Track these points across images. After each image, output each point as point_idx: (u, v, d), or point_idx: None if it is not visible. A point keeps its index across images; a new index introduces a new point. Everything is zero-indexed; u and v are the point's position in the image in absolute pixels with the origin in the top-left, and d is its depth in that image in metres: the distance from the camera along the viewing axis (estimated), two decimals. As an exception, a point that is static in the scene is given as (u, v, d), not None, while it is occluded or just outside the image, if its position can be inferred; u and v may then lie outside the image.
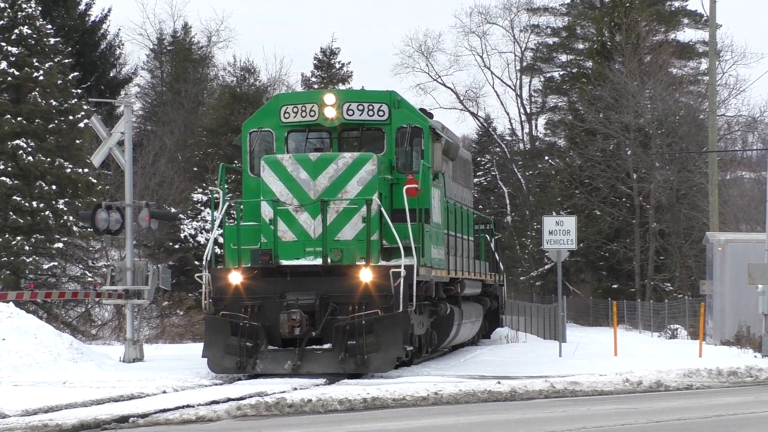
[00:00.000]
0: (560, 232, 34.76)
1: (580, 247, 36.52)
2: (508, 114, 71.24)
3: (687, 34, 66.87)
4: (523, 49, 69.54)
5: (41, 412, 17.11)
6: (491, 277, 33.24)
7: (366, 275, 18.08)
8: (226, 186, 21.60)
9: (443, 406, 19.31)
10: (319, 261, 19.61)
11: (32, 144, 44.22)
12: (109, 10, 67.77)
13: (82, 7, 64.59)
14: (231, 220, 27.66)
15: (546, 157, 67.70)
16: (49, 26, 52.04)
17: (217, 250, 26.15)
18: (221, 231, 24.75)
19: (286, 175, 18.03)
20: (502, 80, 70.94)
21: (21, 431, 15.14)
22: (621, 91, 57.38)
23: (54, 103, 45.68)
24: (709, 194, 46.07)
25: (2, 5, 49.92)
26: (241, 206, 22.85)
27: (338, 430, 15.98)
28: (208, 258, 20.08)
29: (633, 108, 56.45)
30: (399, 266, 18.54)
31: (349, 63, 67.39)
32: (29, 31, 46.94)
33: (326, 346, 18.88)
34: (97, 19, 66.40)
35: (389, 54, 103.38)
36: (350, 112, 19.01)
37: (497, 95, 71.12)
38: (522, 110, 70.69)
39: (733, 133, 59.94)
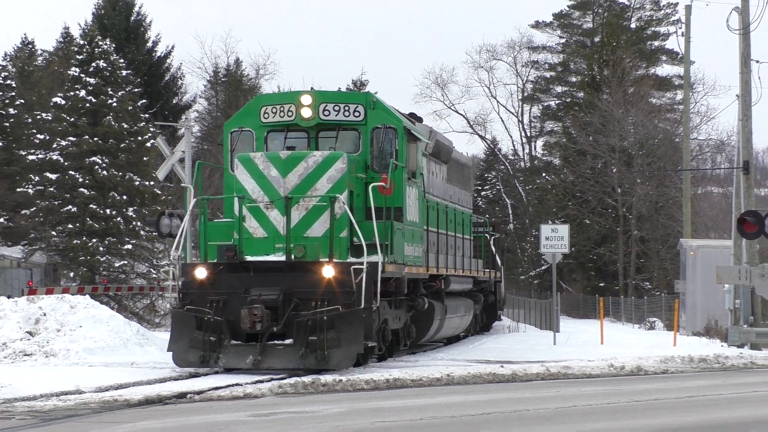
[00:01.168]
0: (555, 238, 34.82)
1: (572, 251, 36.66)
2: (511, 137, 72.16)
3: (665, 69, 67.57)
4: (524, 81, 70.24)
5: (112, 389, 17.41)
6: (486, 274, 31.39)
7: (328, 271, 16.17)
8: (201, 182, 19.17)
9: (454, 386, 19.45)
10: (284, 257, 17.73)
11: (106, 160, 45.39)
12: (173, 47, 69.63)
13: (149, 44, 65.68)
14: (220, 216, 25.71)
15: (543, 174, 67.66)
16: (122, 61, 53.78)
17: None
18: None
19: (258, 172, 16.87)
20: (506, 108, 71.63)
21: (95, 405, 15.44)
22: (608, 117, 57.59)
23: (125, 126, 47.08)
24: (682, 206, 45.93)
25: (82, 42, 52.61)
26: (204, 203, 20.68)
27: (366, 405, 16.10)
28: (179, 253, 18.31)
29: (618, 132, 56.70)
30: (361, 263, 16.67)
31: (376, 92, 68.18)
32: (105, 65, 48.35)
33: (288, 341, 16.77)
34: (162, 54, 67.92)
35: (410, 85, 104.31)
36: (326, 113, 17.72)
37: (502, 121, 72.08)
38: (523, 134, 71.49)
39: (704, 154, 60.39)
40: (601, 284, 56.54)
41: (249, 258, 17.86)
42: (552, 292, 36.20)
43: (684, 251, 40.62)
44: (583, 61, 67.84)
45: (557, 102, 69.99)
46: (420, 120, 24.18)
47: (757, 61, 32.27)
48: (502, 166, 71.12)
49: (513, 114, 71.18)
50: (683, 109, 50.99)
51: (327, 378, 19.34)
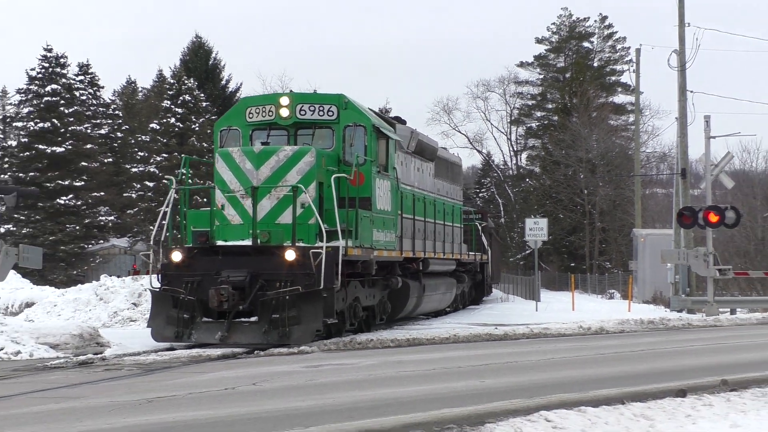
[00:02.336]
0: (537, 229, 34.87)
1: (549, 239, 36.34)
2: (501, 151, 72.77)
3: (620, 98, 67.57)
4: (511, 108, 70.75)
5: (197, 347, 17.06)
6: (472, 257, 29.24)
7: (290, 255, 14.46)
8: (189, 175, 17.20)
9: (459, 343, 19.56)
10: (250, 242, 16.05)
11: (191, 172, 47.45)
12: (241, 84, 69.00)
13: (223, 82, 65.37)
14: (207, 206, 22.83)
15: (527, 179, 67.84)
16: (202, 95, 56.35)
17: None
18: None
19: (235, 165, 15.54)
20: (498, 129, 72.22)
21: (185, 359, 15.47)
22: (576, 136, 57.49)
23: (205, 145, 49.05)
24: (634, 204, 45.87)
25: (172, 81, 55.40)
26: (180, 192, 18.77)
27: (392, 359, 16.31)
28: (159, 239, 16.36)
29: (584, 147, 56.58)
30: (320, 247, 14.80)
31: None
32: (189, 98, 52.54)
33: (253, 319, 14.94)
34: (233, 89, 66.56)
35: (423, 111, 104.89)
36: (302, 112, 16.41)
37: (494, 138, 72.52)
38: (511, 148, 72.10)
39: (651, 163, 60.42)
40: (572, 264, 56.38)
41: (219, 243, 16.07)
42: (534, 271, 36.08)
43: (636, 238, 40.62)
44: (557, 92, 68.13)
45: (537, 124, 70.54)
46: (403, 122, 22.39)
47: (691, 92, 32.57)
48: (495, 174, 71.74)
49: (503, 133, 72.64)
50: (634, 129, 51.24)
51: (362, 338, 19.56)
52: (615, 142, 59.34)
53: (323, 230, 15.21)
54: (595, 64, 67.71)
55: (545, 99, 68.81)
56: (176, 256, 15.10)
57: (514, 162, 72.29)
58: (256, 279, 14.40)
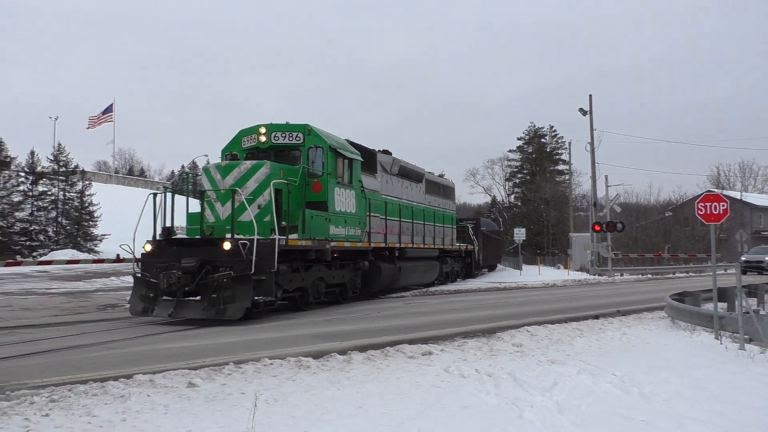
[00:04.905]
0: (519, 233, 38.30)
1: (525, 239, 40.75)
2: (500, 193, 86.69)
3: (561, 167, 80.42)
4: (505, 172, 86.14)
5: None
6: (457, 247, 26.93)
7: (226, 245, 12.34)
8: (182, 183, 14.75)
9: (481, 292, 21.90)
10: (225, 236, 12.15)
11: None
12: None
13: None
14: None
15: (514, 208, 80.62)
16: None
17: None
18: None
19: (211, 177, 13.99)
20: (497, 183, 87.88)
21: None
22: (539, 186, 70.62)
23: None
24: (570, 220, 54.14)
25: None
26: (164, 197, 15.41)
27: (448, 299, 18.03)
28: (154, 233, 13.79)
29: (543, 192, 69.45)
30: (249, 239, 12.36)
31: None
32: None
33: (198, 298, 12.65)
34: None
35: (459, 176, 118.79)
36: (276, 138, 15.24)
37: (496, 187, 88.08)
38: (505, 192, 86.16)
39: (578, 200, 72.53)
40: (538, 251, 64.09)
41: (178, 237, 13.92)
42: (518, 255, 41.18)
43: (571, 238, 45.89)
44: (528, 164, 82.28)
45: (518, 180, 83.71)
46: (389, 153, 20.77)
47: (597, 163, 39.53)
48: (496, 206, 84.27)
49: (501, 185, 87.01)
50: (569, 182, 62.21)
51: (432, 289, 21.79)
52: (558, 189, 71.10)
53: (270, 226, 12.77)
54: (548, 149, 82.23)
55: (523, 168, 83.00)
56: (148, 247, 13.17)
57: (507, 200, 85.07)
58: (204, 265, 12.27)
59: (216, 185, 13.47)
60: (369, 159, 18.29)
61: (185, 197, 14.38)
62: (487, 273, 36.71)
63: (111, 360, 7.72)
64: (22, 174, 41.22)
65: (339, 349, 8.01)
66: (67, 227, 41.70)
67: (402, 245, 19.39)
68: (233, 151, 15.19)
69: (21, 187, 41.81)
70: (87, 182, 43.78)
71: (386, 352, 7.82)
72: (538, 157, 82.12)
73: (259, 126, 15.29)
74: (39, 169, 41.06)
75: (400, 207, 19.67)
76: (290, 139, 15.14)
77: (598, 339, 9.69)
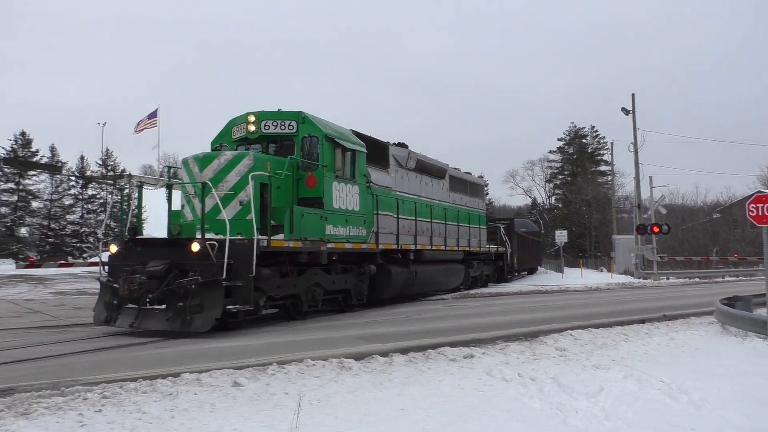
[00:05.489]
0: (561, 236, 38.30)
1: (567, 241, 42.32)
2: (541, 195, 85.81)
3: (603, 167, 78.84)
4: (545, 173, 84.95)
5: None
6: (486, 249, 24.91)
7: (194, 246, 10.52)
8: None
9: (522, 295, 21.60)
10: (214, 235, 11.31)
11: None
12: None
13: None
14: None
15: (555, 210, 79.71)
16: None
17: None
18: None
19: (189, 170, 12.13)
20: (537, 184, 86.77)
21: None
22: (581, 186, 68.97)
23: None
24: (613, 222, 52.99)
25: None
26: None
27: (488, 302, 17.89)
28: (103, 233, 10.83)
29: (585, 193, 67.71)
30: (217, 240, 10.62)
31: None
32: None
33: (163, 306, 10.65)
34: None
35: (499, 177, 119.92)
36: (266, 127, 13.48)
37: (537, 188, 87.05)
38: (546, 194, 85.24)
39: (622, 201, 69.26)
40: (580, 254, 61.93)
41: (144, 237, 12.22)
42: (560, 257, 40.41)
43: (614, 240, 45.23)
44: (569, 165, 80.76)
45: (559, 181, 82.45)
46: (405, 146, 18.49)
47: (641, 163, 38.04)
48: (536, 208, 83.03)
49: (541, 187, 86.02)
50: (611, 183, 59.74)
51: (471, 291, 21.58)
52: (601, 190, 69.79)
53: (254, 225, 10.96)
54: (589, 150, 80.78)
55: (563, 169, 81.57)
56: (113, 248, 11.54)
57: (548, 201, 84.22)
58: (171, 269, 10.52)
59: (194, 179, 11.69)
60: (379, 152, 16.51)
61: (168, 193, 12.47)
62: (525, 276, 36.08)
63: (159, 358, 7.91)
64: (73, 178, 42.72)
65: (380, 351, 8.00)
66: (115, 229, 42.92)
67: (418, 247, 17.72)
68: (223, 143, 13.76)
69: (72, 191, 43.28)
70: (133, 185, 45.34)
71: (427, 355, 7.79)
72: (580, 157, 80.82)
73: (248, 114, 13.60)
74: (88, 173, 42.47)
75: (416, 205, 17.88)
76: (282, 128, 13.46)
77: (645, 344, 9.45)
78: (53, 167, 40.44)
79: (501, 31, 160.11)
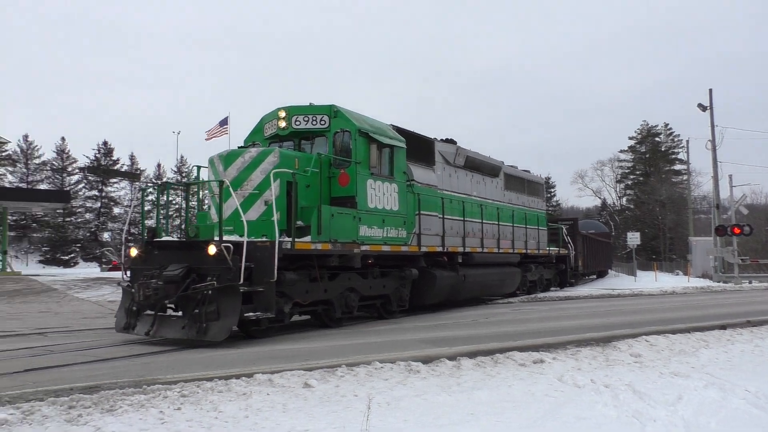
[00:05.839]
0: (633, 238, 37.05)
1: (640, 243, 38.78)
2: (611, 196, 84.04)
3: (678, 167, 76.42)
4: (616, 173, 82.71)
5: None
6: (546, 251, 23.67)
7: (211, 249, 9.81)
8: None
9: (593, 298, 21.19)
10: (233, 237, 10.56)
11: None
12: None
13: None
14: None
15: (626, 211, 77.91)
16: None
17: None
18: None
19: (215, 169, 11.56)
20: (607, 185, 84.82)
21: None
22: (654, 186, 66.84)
23: None
24: (689, 223, 50.90)
25: None
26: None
27: (557, 306, 17.59)
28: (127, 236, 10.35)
29: (658, 193, 65.23)
30: (239, 241, 9.88)
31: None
32: None
33: (180, 313, 10.05)
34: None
35: (566, 178, 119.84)
36: (297, 123, 12.79)
37: (607, 189, 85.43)
38: (616, 194, 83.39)
39: (698, 201, 66.24)
40: (654, 257, 60.04)
41: (163, 239, 11.32)
42: (632, 260, 39.18)
43: (691, 242, 43.70)
44: (641, 164, 78.52)
45: (631, 181, 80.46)
46: (453, 143, 17.58)
47: (720, 162, 36.66)
48: (606, 209, 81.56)
49: (611, 187, 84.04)
50: (687, 182, 57.41)
51: (539, 295, 21.28)
52: (675, 190, 67.35)
53: (279, 227, 10.46)
54: (663, 148, 78.24)
55: (635, 168, 79.23)
56: (133, 252, 10.96)
57: (618, 202, 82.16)
58: (190, 273, 9.89)
59: (219, 178, 11.06)
60: (423, 148, 15.60)
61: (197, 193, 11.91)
62: (594, 280, 35.15)
63: (233, 359, 8.13)
64: (150, 184, 44.94)
65: (448, 355, 7.96)
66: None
67: (467, 249, 16.68)
68: (255, 141, 13.11)
69: (150, 197, 45.58)
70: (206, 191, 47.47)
71: (496, 359, 7.70)
72: (652, 156, 78.73)
73: (279, 109, 12.95)
74: (165, 179, 44.74)
75: (464, 204, 16.86)
76: (314, 123, 12.74)
77: (726, 351, 9.04)
78: (132, 175, 42.49)
79: (567, 30, 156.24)
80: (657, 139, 79.32)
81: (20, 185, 58.04)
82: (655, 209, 65.90)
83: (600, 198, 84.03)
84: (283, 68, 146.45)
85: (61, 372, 7.45)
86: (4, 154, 60.18)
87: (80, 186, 63.46)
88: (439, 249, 15.23)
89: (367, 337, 10.60)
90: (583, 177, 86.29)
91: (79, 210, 61.27)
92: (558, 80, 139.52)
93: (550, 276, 24.41)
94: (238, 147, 11.47)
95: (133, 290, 10.07)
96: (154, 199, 12.17)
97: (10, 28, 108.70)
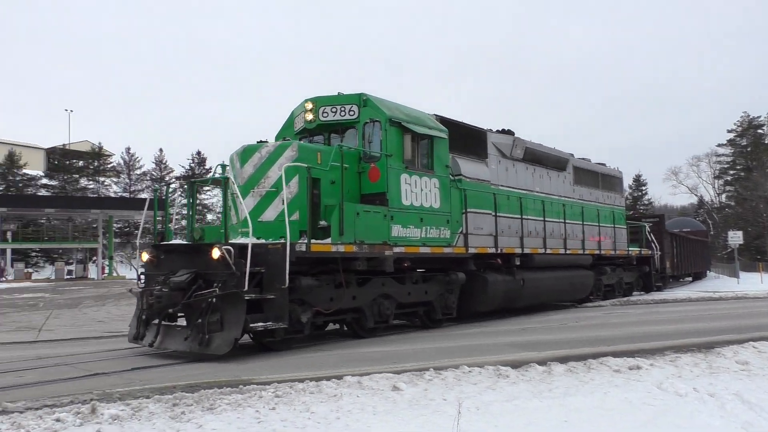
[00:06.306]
0: (735, 237, 35.62)
1: (742, 243, 36.55)
2: (708, 193, 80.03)
3: None
4: (713, 168, 78.54)
5: None
6: (627, 252, 21.87)
7: (215, 252, 8.90)
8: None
9: (691, 301, 20.28)
10: (246, 240, 9.30)
11: None
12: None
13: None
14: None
15: (726, 209, 73.52)
16: None
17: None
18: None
19: (234, 167, 10.57)
20: (704, 181, 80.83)
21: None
22: (757, 182, 63.44)
23: None
24: None
25: None
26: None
27: (651, 310, 16.91)
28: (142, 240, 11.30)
29: (763, 188, 62.02)
30: (242, 244, 9.01)
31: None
32: None
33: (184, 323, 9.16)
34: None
35: (659, 175, 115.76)
36: (325, 114, 11.72)
37: (704, 186, 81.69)
38: (714, 191, 79.50)
39: None
40: (758, 257, 56.61)
41: (171, 242, 10.57)
42: (735, 261, 36.81)
43: None
44: (742, 158, 74.05)
45: (730, 177, 76.04)
46: (511, 133, 16.12)
47: None
48: (704, 207, 77.65)
49: (709, 184, 79.82)
50: None
51: (631, 299, 20.49)
52: None
53: (299, 227, 9.74)
54: (766, 141, 73.61)
55: (735, 163, 74.88)
56: (145, 256, 10.18)
57: (717, 199, 77.93)
58: (197, 279, 9.14)
59: (237, 176, 10.31)
60: (472, 139, 14.30)
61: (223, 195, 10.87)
62: (688, 282, 33.62)
63: (321, 361, 8.32)
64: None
65: (538, 360, 7.79)
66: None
67: (526, 250, 15.15)
68: (286, 136, 12.04)
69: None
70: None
71: (589, 365, 7.43)
72: (755, 150, 73.69)
73: (306, 101, 11.91)
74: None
75: (523, 201, 15.35)
76: (342, 113, 11.63)
77: None
78: (218, 181, 45.42)
79: (656, 22, 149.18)
80: (759, 131, 74.55)
81: (123, 195, 62.15)
82: (759, 206, 61.89)
83: (696, 195, 79.86)
84: (366, 75, 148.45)
85: (164, 371, 7.83)
86: (109, 166, 64.75)
87: (176, 195, 67.21)
88: (491, 250, 13.96)
89: (457, 340, 10.71)
90: (677, 174, 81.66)
91: (177, 217, 65.09)
92: (645, 73, 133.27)
93: (632, 279, 22.62)
94: (257, 141, 10.60)
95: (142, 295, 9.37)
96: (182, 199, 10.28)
97: (134, 53, 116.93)
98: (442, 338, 10.73)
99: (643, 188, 78.83)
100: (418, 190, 11.74)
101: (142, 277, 9.94)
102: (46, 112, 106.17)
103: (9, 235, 45.04)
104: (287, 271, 8.75)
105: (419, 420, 5.12)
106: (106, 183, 62.34)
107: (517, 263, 14.84)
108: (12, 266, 44.24)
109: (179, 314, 9.01)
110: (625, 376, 6.95)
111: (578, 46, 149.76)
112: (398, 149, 11.18)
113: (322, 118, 11.65)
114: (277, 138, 12.12)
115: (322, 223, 9.77)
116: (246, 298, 8.48)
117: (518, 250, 14.92)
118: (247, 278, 8.47)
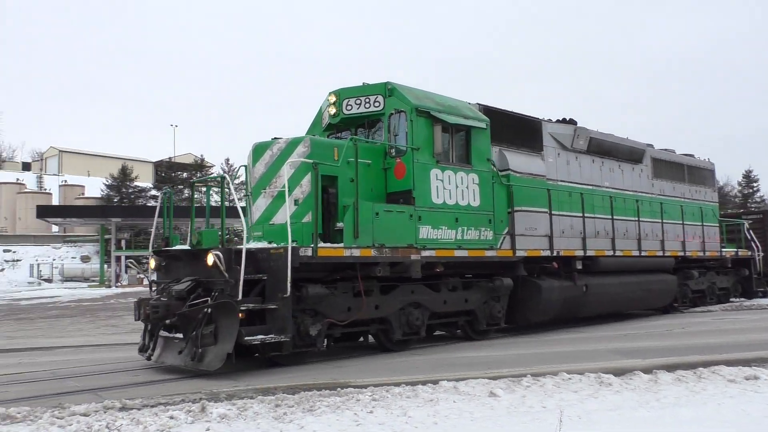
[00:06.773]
0: None
1: None
2: None
3: None
4: None
5: None
6: (720, 253, 19.55)
7: (209, 259, 8.18)
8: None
9: (741, 310, 17.72)
10: (258, 243, 9.05)
11: None
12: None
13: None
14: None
15: None
16: None
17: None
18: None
19: (250, 167, 9.90)
20: None
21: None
22: None
23: None
24: None
25: None
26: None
27: (695, 317, 16.08)
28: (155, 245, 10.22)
29: None
30: (235, 249, 8.25)
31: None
32: None
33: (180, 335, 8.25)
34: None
35: None
36: (349, 107, 10.78)
37: None
38: None
39: None
40: None
41: (172, 248, 9.77)
42: None
43: None
44: None
45: None
46: (573, 123, 14.68)
47: None
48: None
49: None
50: None
51: (746, 303, 19.29)
52: None
53: (311, 230, 8.93)
54: None
55: None
56: (152, 264, 9.69)
57: None
58: (196, 288, 8.48)
59: (251, 175, 9.74)
60: (525, 131, 12.94)
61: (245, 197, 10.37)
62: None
63: (416, 365, 8.35)
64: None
65: (642, 367, 7.43)
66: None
67: (590, 252, 13.57)
68: (314, 133, 11.07)
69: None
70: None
71: (699, 374, 7.04)
72: None
73: (330, 94, 10.96)
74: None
75: (584, 197, 13.77)
76: (367, 105, 10.61)
77: None
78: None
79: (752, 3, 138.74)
80: None
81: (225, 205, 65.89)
82: None
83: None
84: (450, 80, 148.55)
85: (263, 373, 8.19)
86: (210, 177, 68.44)
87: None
88: (545, 253, 12.49)
89: (552, 346, 10.51)
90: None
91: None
92: (750, 62, 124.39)
93: (727, 284, 20.22)
94: (272, 138, 9.75)
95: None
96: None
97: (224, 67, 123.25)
98: (538, 344, 10.65)
99: (755, 185, 72.99)
100: (453, 187, 10.65)
101: (153, 285, 9.37)
102: (153, 126, 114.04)
103: (123, 243, 48.78)
104: (289, 278, 8.04)
105: (518, 428, 5.03)
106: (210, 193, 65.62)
107: (579, 267, 13.41)
108: (126, 272, 47.83)
109: (176, 325, 8.33)
110: (741, 386, 6.57)
111: (670, 39, 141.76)
112: (427, 142, 10.18)
113: (345, 112, 10.78)
114: (307, 134, 11.23)
115: (340, 224, 9.00)
116: (242, 308, 7.80)
117: (579, 253, 13.47)
118: (240, 286, 7.82)
